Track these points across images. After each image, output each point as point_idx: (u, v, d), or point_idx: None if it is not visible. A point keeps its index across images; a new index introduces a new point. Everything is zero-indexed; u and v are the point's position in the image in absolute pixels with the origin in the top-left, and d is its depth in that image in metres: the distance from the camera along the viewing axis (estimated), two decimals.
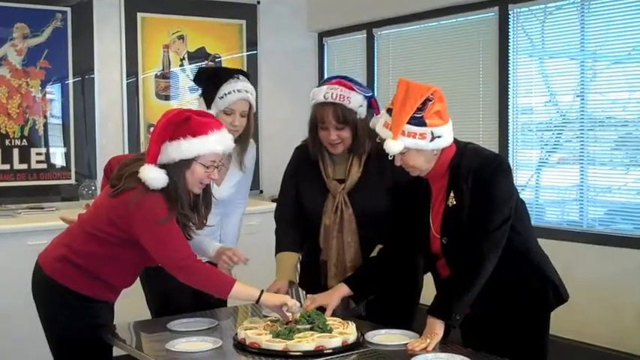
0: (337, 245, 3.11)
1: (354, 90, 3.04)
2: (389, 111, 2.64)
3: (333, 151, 3.10)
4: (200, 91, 3.30)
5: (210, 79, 3.22)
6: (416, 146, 2.61)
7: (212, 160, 2.79)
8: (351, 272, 3.05)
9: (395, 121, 2.59)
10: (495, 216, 2.61)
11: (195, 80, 3.37)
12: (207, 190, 2.94)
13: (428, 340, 2.59)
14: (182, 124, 2.73)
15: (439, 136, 2.62)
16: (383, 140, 2.66)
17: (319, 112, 3.05)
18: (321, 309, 2.86)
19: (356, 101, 3.03)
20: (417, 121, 2.59)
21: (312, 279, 3.14)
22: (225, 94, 3.14)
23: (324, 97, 3.03)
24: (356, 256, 3.09)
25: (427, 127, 2.60)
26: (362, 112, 3.05)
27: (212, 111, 3.11)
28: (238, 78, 3.20)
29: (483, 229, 2.61)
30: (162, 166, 2.73)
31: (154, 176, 2.71)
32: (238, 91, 3.16)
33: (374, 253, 3.03)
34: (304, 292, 2.96)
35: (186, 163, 2.75)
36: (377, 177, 3.09)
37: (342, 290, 2.93)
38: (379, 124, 2.69)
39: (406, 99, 2.59)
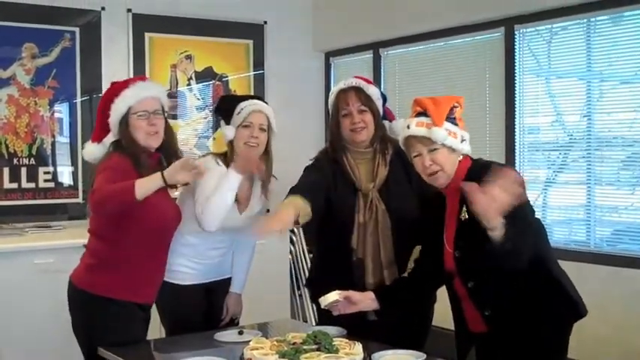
0: (373, 242, 3.09)
1: (371, 83, 3.18)
2: (419, 114, 2.69)
3: (357, 138, 3.10)
4: (218, 112, 3.38)
5: (230, 100, 3.33)
6: (451, 143, 2.66)
7: (143, 109, 2.92)
8: (386, 270, 3.05)
9: (436, 112, 2.65)
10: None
11: (216, 109, 3.44)
12: (169, 140, 3.03)
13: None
14: (111, 92, 2.95)
15: (465, 140, 2.71)
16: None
17: (341, 97, 3.13)
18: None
19: (374, 91, 3.14)
20: (450, 120, 2.68)
21: (346, 280, 3.02)
22: (242, 109, 3.17)
23: (344, 84, 3.14)
24: (391, 253, 3.09)
25: (459, 127, 2.69)
26: (379, 105, 3.13)
27: (231, 127, 3.17)
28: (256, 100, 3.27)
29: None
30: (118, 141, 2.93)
31: (86, 150, 3.00)
32: (255, 104, 3.20)
33: (415, 256, 3.00)
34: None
35: (125, 122, 2.91)
36: (403, 177, 3.12)
37: (370, 300, 2.92)
38: (408, 125, 2.70)
39: (437, 101, 2.69)
